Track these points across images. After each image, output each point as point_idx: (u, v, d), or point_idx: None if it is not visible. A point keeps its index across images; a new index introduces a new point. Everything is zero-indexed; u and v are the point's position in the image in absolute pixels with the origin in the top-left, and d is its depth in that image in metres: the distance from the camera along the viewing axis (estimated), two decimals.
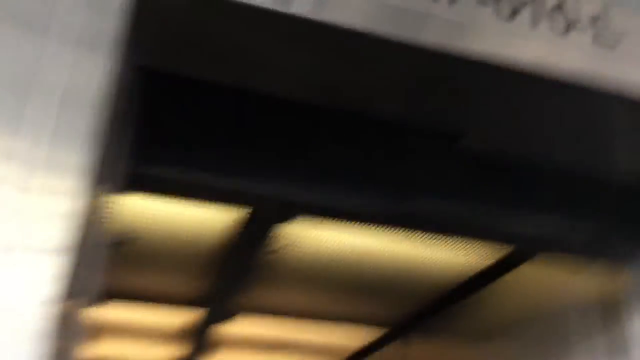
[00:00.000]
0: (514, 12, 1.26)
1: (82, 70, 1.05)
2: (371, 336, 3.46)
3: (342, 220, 1.85)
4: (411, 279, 2.66)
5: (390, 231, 2.02)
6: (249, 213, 1.99)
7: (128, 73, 1.18)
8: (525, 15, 1.28)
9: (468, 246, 2.27)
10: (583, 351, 1.94)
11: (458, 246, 2.29)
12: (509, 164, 1.70)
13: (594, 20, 1.31)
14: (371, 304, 3.02)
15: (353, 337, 3.50)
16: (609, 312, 1.86)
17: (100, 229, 1.34)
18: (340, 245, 2.38)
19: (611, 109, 1.42)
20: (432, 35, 1.21)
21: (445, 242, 2.24)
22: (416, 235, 2.08)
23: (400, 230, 1.97)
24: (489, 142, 1.55)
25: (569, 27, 1.30)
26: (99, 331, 3.36)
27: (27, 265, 1.04)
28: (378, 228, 1.93)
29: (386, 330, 3.31)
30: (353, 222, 1.86)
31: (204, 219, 2.16)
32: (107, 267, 1.43)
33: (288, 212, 1.90)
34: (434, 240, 2.21)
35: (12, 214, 1.03)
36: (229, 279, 2.65)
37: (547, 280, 2.19)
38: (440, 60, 1.23)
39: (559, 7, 1.29)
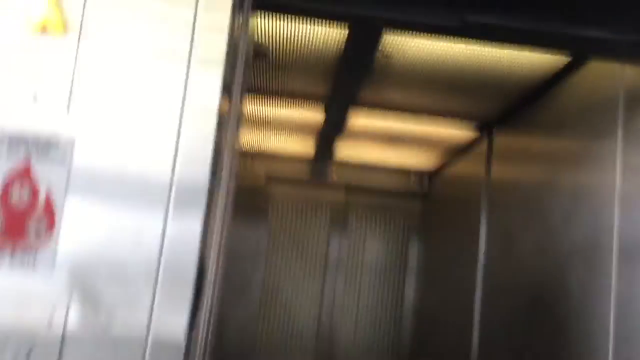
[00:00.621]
0: None
1: None
2: (466, 131, 4.07)
3: (421, 32, 2.42)
4: (496, 81, 3.20)
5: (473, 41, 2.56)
6: (350, 28, 2.61)
7: None
8: None
9: (537, 53, 2.75)
10: (618, 136, 2.45)
11: (529, 54, 2.79)
12: None
13: None
14: (466, 103, 3.61)
15: (451, 131, 4.13)
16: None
17: (244, 42, 1.97)
18: (437, 52, 2.94)
19: None
20: None
21: (517, 49, 2.73)
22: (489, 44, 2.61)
23: (472, 40, 2.49)
24: None
25: None
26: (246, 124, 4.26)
27: (191, 73, 1.42)
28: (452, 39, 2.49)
29: (478, 125, 3.91)
30: (429, 34, 2.42)
31: (320, 34, 2.81)
32: (251, 72, 2.07)
33: (378, 26, 2.50)
34: (507, 49, 2.72)
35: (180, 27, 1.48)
36: (346, 81, 3.33)
37: (599, 81, 2.66)
38: None
39: None
